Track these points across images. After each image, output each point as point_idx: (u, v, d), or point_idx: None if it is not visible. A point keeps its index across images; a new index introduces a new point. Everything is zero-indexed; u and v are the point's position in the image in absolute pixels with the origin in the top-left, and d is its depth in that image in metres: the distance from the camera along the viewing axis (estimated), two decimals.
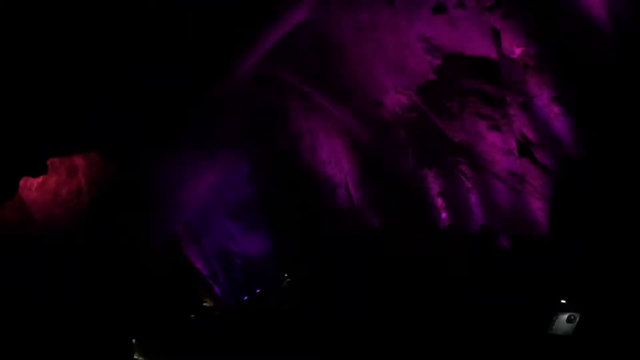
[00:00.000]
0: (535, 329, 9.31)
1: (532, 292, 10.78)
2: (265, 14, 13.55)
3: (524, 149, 13.41)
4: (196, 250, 22.73)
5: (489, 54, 14.09)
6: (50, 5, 9.10)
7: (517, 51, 12.13)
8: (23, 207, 14.37)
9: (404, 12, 14.92)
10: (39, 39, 9.31)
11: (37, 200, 14.75)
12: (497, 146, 15.08)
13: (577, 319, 8.63)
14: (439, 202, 17.53)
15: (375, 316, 12.97)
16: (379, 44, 16.32)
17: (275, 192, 22.38)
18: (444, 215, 17.60)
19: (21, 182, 12.65)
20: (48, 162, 12.11)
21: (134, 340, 14.84)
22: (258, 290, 21.89)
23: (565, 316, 8.71)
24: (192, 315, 18.45)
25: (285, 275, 20.78)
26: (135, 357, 14.82)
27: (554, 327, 8.77)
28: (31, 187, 14.65)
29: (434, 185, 17.57)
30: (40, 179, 14.38)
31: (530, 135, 12.99)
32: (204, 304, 20.48)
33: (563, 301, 9.13)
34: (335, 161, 21.26)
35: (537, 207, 13.77)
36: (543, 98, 11.97)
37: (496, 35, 13.01)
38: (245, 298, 21.90)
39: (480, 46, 14.25)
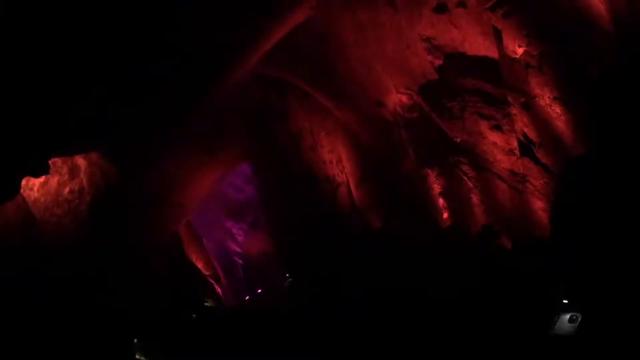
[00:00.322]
0: (537, 329, 9.29)
1: (534, 292, 10.76)
2: (265, 14, 13.54)
3: (526, 148, 13.39)
4: (197, 250, 22.76)
5: (490, 53, 14.08)
6: (50, 5, 9.09)
7: (519, 51, 12.11)
8: (25, 207, 14.39)
9: (404, 12, 14.91)
10: (39, 39, 9.31)
11: (39, 200, 14.77)
12: (498, 146, 15.06)
13: (579, 319, 8.58)
14: (440, 202, 17.53)
15: (375, 316, 12.95)
16: (380, 43, 16.31)
17: (276, 191, 22.39)
18: (445, 215, 17.60)
19: (23, 182, 12.65)
20: (50, 162, 12.11)
21: (135, 340, 14.84)
22: (259, 290, 21.90)
23: (567, 316, 8.66)
24: (194, 315, 18.46)
25: (287, 275, 20.80)
26: (137, 357, 14.81)
27: (556, 327, 8.73)
28: (33, 187, 14.67)
29: (435, 185, 17.57)
30: (42, 179, 14.41)
31: (532, 135, 12.97)
32: (205, 304, 20.50)
33: (565, 301, 9.08)
34: (335, 161, 21.27)
35: (539, 206, 13.75)
36: (545, 98, 11.95)
37: (497, 35, 13.00)
38: (247, 298, 21.92)
39: (481, 46, 14.24)
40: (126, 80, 11.64)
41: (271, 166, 22.32)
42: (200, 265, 22.55)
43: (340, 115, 20.21)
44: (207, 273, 22.63)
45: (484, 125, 15.18)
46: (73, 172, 14.98)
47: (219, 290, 22.60)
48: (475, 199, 16.43)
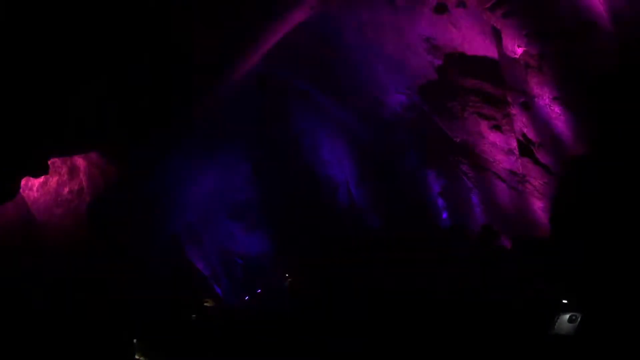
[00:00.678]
0: (537, 329, 9.29)
1: (533, 292, 10.77)
2: (265, 14, 13.54)
3: (525, 148, 13.40)
4: (197, 250, 22.74)
5: (490, 53, 14.09)
6: (50, 6, 9.10)
7: (518, 51, 12.10)
8: (25, 207, 14.39)
9: (404, 12, 14.91)
10: (39, 39, 9.31)
11: (39, 200, 14.77)
12: (498, 146, 15.07)
13: (579, 319, 8.60)
14: (440, 201, 17.56)
15: (375, 316, 12.95)
16: (380, 43, 16.32)
17: (276, 191, 22.39)
18: (445, 215, 17.62)
19: (23, 182, 12.64)
20: (49, 162, 12.10)
21: (135, 340, 14.83)
22: (259, 290, 21.88)
23: (567, 316, 8.68)
24: (193, 315, 18.44)
25: (287, 275, 20.78)
26: (137, 357, 14.80)
27: (555, 327, 8.75)
28: (32, 187, 14.67)
29: (435, 185, 17.61)
30: (41, 179, 14.40)
31: (531, 135, 12.98)
32: (205, 304, 20.46)
33: (564, 301, 9.09)
34: (336, 161, 21.30)
35: (538, 206, 13.76)
36: (544, 98, 11.95)
37: (497, 35, 13.00)
38: (247, 298, 21.90)
39: (481, 46, 14.25)
40: (126, 80, 11.64)
41: (271, 166, 22.34)
42: (200, 265, 22.53)
43: (340, 115, 20.23)
44: (207, 273, 22.62)
45: (483, 125, 15.20)
46: (72, 172, 14.97)
47: (218, 290, 22.60)
48: (474, 198, 16.46)
